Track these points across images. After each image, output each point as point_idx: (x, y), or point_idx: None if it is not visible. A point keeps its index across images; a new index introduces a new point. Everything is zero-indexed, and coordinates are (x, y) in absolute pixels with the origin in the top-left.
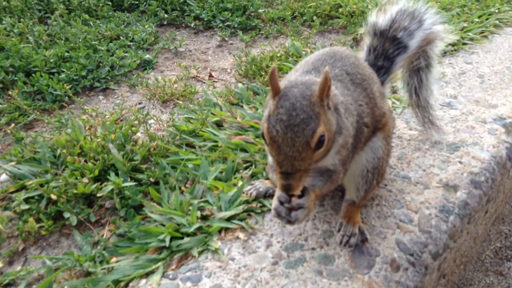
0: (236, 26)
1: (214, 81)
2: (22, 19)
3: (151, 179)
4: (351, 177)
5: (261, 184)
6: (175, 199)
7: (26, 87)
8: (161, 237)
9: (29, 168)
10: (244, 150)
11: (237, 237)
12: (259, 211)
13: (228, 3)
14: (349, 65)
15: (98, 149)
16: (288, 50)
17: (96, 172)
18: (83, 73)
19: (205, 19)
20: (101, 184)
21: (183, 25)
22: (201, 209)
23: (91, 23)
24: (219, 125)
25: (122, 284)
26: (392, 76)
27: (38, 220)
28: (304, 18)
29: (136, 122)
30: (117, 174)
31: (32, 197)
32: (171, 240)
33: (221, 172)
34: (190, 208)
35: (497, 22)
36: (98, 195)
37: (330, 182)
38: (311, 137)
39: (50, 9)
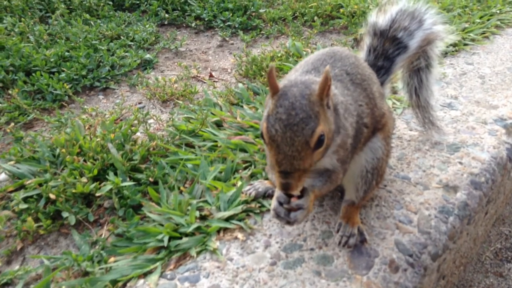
0: (237, 26)
1: (214, 81)
2: (23, 19)
3: (150, 179)
4: (350, 178)
5: (260, 185)
6: (174, 199)
7: (26, 86)
8: (160, 237)
9: (28, 168)
10: (243, 150)
11: (236, 238)
12: (258, 211)
13: (229, 3)
14: (349, 65)
15: (97, 149)
16: (288, 50)
17: (95, 172)
18: (83, 73)
19: (206, 19)
20: (100, 184)
21: (184, 25)
22: (200, 209)
23: (91, 22)
24: (219, 125)
25: (120, 284)
26: (392, 77)
27: (36, 220)
28: (305, 18)
29: (136, 121)
30: (116, 174)
31: (31, 197)
32: (169, 240)
33: (220, 172)
34: (189, 208)
35: (498, 23)
36: (97, 194)
37: (329, 182)
38: (311, 136)
39: (51, 9)
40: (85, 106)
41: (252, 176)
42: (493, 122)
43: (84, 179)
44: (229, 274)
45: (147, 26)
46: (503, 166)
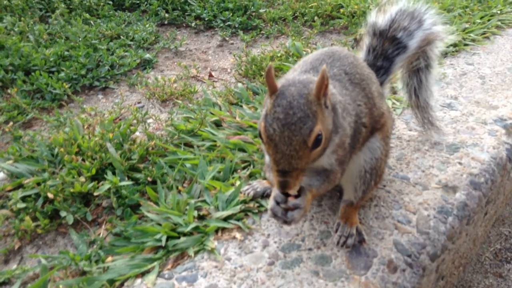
0: (237, 26)
1: (214, 81)
2: (22, 18)
3: (149, 179)
4: (349, 178)
5: (258, 184)
6: (172, 198)
7: (25, 85)
8: (157, 236)
9: (26, 167)
10: (242, 150)
11: (234, 237)
12: (256, 211)
13: (229, 3)
14: (348, 65)
15: (96, 148)
16: (288, 50)
17: (93, 171)
18: (83, 72)
19: (206, 19)
20: (98, 183)
21: (184, 25)
22: (198, 208)
23: (91, 22)
24: (218, 124)
25: (117, 283)
26: (392, 77)
27: (34, 219)
28: (305, 18)
29: (135, 121)
30: (114, 173)
31: (29, 196)
32: (167, 239)
33: (219, 172)
34: (187, 207)
35: (499, 23)
36: (95, 194)
37: (327, 182)
38: (308, 135)
39: (51, 8)
40: (84, 106)
41: (251, 176)
42: (493, 122)
43: (82, 179)
44: (227, 274)
45: (147, 25)
46: (502, 166)
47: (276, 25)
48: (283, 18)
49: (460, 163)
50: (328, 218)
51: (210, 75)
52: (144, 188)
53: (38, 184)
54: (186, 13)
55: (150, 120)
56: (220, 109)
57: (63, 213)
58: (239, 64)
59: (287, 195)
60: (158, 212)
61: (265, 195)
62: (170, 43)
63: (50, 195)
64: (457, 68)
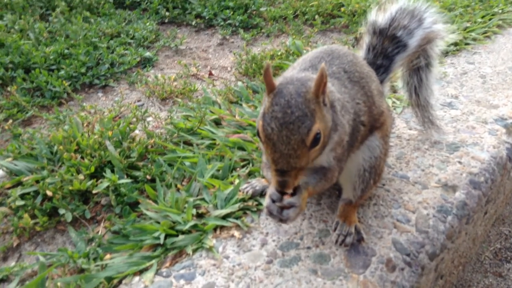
0: (237, 24)
1: (214, 79)
2: (23, 16)
3: (148, 177)
4: (348, 176)
5: (257, 183)
6: (171, 196)
7: (25, 83)
8: (156, 234)
9: (25, 164)
10: (241, 148)
11: (232, 235)
12: (255, 209)
13: (230, 1)
14: (347, 63)
15: (95, 146)
16: (289, 49)
17: (92, 169)
18: (83, 70)
19: (207, 17)
20: (97, 181)
21: (184, 23)
22: (196, 207)
23: (92, 20)
24: (217, 123)
25: (115, 281)
26: (392, 75)
27: (33, 216)
28: (306, 17)
29: (134, 119)
30: (113, 171)
31: (28, 193)
32: (165, 237)
33: (218, 170)
34: (186, 205)
35: (500, 22)
36: (94, 192)
37: (324, 180)
38: (307, 135)
39: (52, 6)
40: (84, 104)
41: (250, 174)
42: (494, 121)
43: (81, 176)
44: (225, 272)
45: (147, 24)
46: (502, 165)
47: (277, 24)
48: (283, 17)
49: (460, 162)
50: (327, 216)
51: (210, 74)
52: (143, 186)
53: (37, 181)
54: (187, 12)
55: (149, 118)
56: (220, 108)
57: (61, 211)
58: (239, 63)
59: (283, 193)
60: (156, 210)
61: (264, 193)
62: (170, 41)
63: (49, 193)
64: (458, 67)
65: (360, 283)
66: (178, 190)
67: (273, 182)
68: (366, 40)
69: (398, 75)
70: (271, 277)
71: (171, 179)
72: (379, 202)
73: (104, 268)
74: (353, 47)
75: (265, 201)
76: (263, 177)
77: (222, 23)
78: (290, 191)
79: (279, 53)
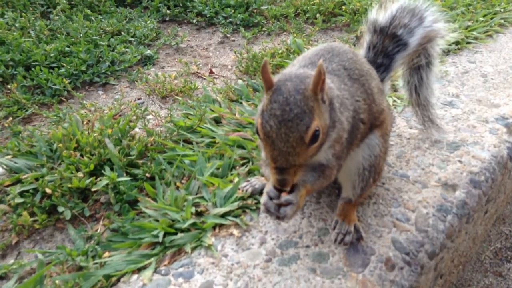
0: (238, 22)
1: (214, 78)
2: (24, 14)
3: (147, 175)
4: (347, 175)
5: (257, 181)
6: (170, 194)
7: (25, 81)
8: (155, 232)
9: (25, 162)
10: (241, 146)
11: (231, 234)
12: (254, 208)
13: None
14: (347, 60)
15: (95, 144)
16: (289, 47)
17: (92, 167)
18: (83, 68)
19: (208, 16)
20: (96, 179)
21: (185, 21)
22: (196, 205)
23: (93, 18)
24: (217, 121)
25: (114, 279)
26: (392, 74)
27: (32, 214)
28: (307, 15)
29: (134, 117)
30: (112, 169)
31: (27, 191)
32: (164, 235)
33: (217, 169)
34: (185, 204)
35: (502, 21)
36: (93, 189)
37: (322, 177)
38: (305, 132)
39: (52, 4)
40: (84, 102)
41: (250, 173)
42: (494, 120)
43: (80, 174)
44: (223, 270)
45: (148, 22)
46: (503, 165)
47: (278, 22)
48: (284, 15)
49: (460, 161)
50: (326, 215)
51: (211, 72)
52: (142, 184)
53: (37, 179)
54: (188, 10)
55: (149, 117)
56: (220, 106)
57: (61, 209)
58: (240, 61)
59: (280, 190)
60: (156, 208)
61: (263, 192)
62: (171, 39)
63: (48, 190)
64: (459, 66)
65: (359, 282)
66: (177, 188)
67: (272, 179)
68: (366, 38)
69: (399, 74)
70: (270, 275)
71: (170, 177)
72: (378, 201)
73: (102, 266)
74: (354, 45)
75: (262, 198)
76: (263, 175)
77: (223, 21)
78: (288, 188)
79: (279, 52)
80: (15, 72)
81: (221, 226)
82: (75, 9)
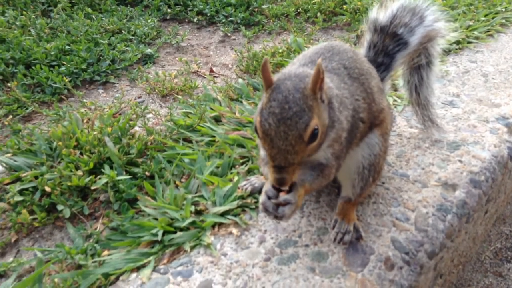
0: (239, 21)
1: (214, 76)
2: (25, 12)
3: (147, 173)
4: (347, 174)
5: (256, 180)
6: (169, 193)
7: (25, 79)
8: (154, 231)
9: (24, 160)
10: (241, 145)
11: (231, 233)
12: (253, 206)
13: None
14: (347, 59)
15: (94, 142)
16: (290, 46)
17: (91, 165)
18: (83, 66)
19: (208, 14)
20: (96, 177)
21: (186, 20)
22: (195, 203)
23: (93, 16)
24: (217, 120)
25: (113, 277)
26: (393, 73)
27: (31, 212)
28: (308, 14)
29: (134, 116)
30: (112, 168)
31: (27, 189)
32: (163, 234)
33: (217, 167)
34: (184, 202)
35: (503, 21)
36: (93, 188)
37: (321, 176)
38: (304, 130)
39: (53, 2)
40: (84, 100)
41: (249, 172)
42: (495, 120)
43: (80, 172)
44: (222, 269)
45: (149, 20)
46: (504, 164)
47: (279, 21)
48: (285, 14)
49: (460, 161)
50: (325, 214)
51: (211, 71)
52: (141, 183)
53: (36, 177)
54: (189, 9)
55: (149, 115)
56: (220, 105)
57: (60, 207)
58: (240, 60)
59: (278, 190)
60: (155, 207)
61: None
62: (171, 38)
63: (48, 189)
64: (460, 65)
65: (358, 282)
66: (177, 187)
67: (270, 178)
68: (367, 37)
69: (399, 73)
70: (269, 274)
71: (170, 176)
72: (378, 200)
73: (101, 264)
74: (355, 45)
75: (261, 198)
76: (262, 174)
77: (224, 20)
78: (286, 188)
79: (280, 51)
80: (16, 70)
81: (220, 225)
82: (75, 8)
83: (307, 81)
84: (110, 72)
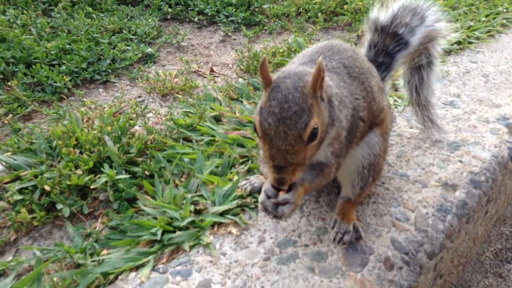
0: (240, 21)
1: (215, 76)
2: (25, 11)
3: (146, 172)
4: (346, 174)
5: (256, 179)
6: (169, 192)
7: (26, 78)
8: (153, 230)
9: (24, 159)
10: (241, 145)
11: (230, 232)
12: (253, 206)
13: None
14: (347, 58)
15: (94, 141)
16: (291, 46)
17: (91, 164)
18: (84, 66)
19: (209, 14)
20: (95, 176)
21: (187, 20)
22: (195, 203)
23: (94, 16)
24: (217, 119)
25: (111, 276)
26: (393, 73)
27: (31, 211)
28: (308, 14)
29: (134, 115)
30: (111, 167)
31: (26, 188)
32: (163, 233)
33: (217, 167)
34: (184, 202)
35: (504, 21)
36: (92, 187)
37: (321, 176)
38: (304, 130)
39: (54, 2)
40: (85, 99)
41: (249, 171)
42: (496, 121)
43: (79, 171)
44: (221, 268)
45: (149, 20)
46: (504, 165)
47: (279, 21)
48: (286, 14)
49: (460, 161)
50: (325, 214)
51: (212, 70)
52: (141, 182)
53: (36, 176)
54: (189, 8)
55: (149, 114)
56: (220, 104)
57: (59, 206)
58: (240, 60)
59: (278, 189)
60: (154, 206)
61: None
62: (172, 37)
63: (47, 188)
64: (461, 66)
65: (358, 282)
66: (176, 186)
67: (270, 178)
68: (367, 37)
69: (400, 73)
70: (268, 274)
71: (169, 175)
72: (378, 200)
73: (100, 263)
74: (356, 45)
75: (260, 197)
76: (262, 173)
77: (224, 20)
78: (286, 187)
79: (281, 51)
80: (16, 69)
81: (219, 224)
82: (76, 7)
83: (306, 80)
84: (110, 71)
